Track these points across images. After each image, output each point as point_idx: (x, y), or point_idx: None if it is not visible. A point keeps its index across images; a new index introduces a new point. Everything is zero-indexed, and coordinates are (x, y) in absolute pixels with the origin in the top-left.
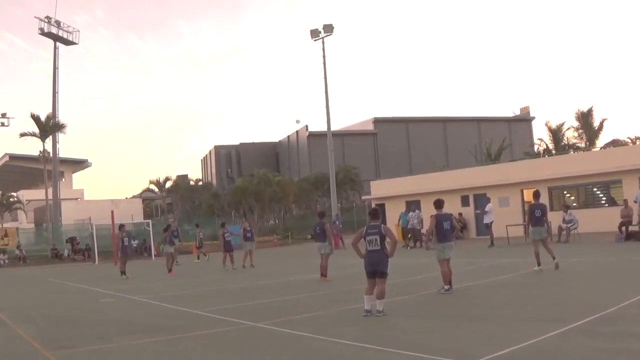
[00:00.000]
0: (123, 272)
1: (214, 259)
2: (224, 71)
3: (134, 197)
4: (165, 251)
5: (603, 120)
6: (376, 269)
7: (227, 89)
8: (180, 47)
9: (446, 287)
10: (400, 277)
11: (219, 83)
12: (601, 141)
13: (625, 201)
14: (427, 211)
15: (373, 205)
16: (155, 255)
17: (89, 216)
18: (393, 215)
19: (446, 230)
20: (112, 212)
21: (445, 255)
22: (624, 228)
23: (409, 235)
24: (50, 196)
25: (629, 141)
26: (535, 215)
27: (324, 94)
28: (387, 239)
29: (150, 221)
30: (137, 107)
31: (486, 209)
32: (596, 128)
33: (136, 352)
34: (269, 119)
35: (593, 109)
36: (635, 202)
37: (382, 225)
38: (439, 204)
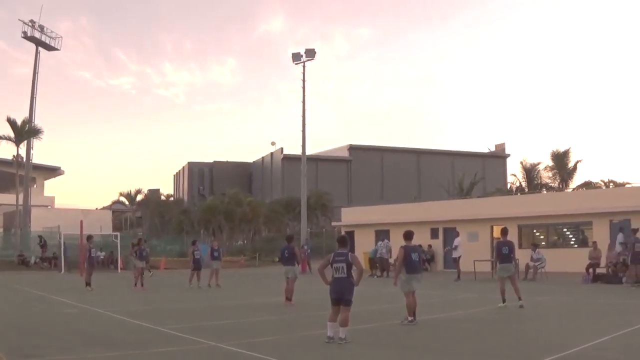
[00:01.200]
0: (88, 284)
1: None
2: (202, 88)
3: (104, 208)
4: (136, 265)
5: (577, 162)
6: (341, 297)
7: (204, 106)
8: (161, 60)
9: (410, 318)
10: (365, 306)
11: (197, 99)
12: (574, 182)
13: (594, 243)
14: (396, 241)
15: (342, 232)
16: (121, 268)
17: (58, 224)
18: (362, 243)
19: (414, 262)
20: (82, 222)
21: (411, 287)
22: (591, 270)
23: (377, 265)
24: (20, 202)
25: (602, 184)
26: (502, 253)
27: (302, 117)
28: (354, 267)
29: (118, 234)
30: (113, 119)
31: (455, 244)
32: (570, 169)
33: None
34: (245, 139)
35: (570, 150)
36: (621, 243)
37: (350, 253)
38: (408, 236)
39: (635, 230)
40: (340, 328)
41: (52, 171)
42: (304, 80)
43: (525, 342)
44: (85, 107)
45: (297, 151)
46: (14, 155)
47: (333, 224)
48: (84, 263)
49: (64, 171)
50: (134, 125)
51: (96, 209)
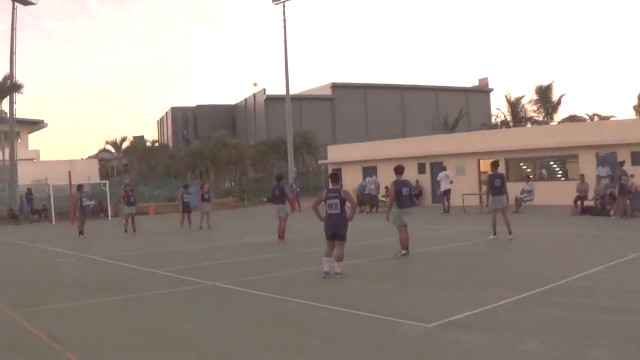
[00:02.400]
0: (81, 232)
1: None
2: (182, 32)
3: (89, 157)
4: (124, 211)
5: (562, 96)
6: (336, 232)
7: (185, 50)
8: (138, 7)
9: (403, 251)
10: (357, 241)
11: (176, 43)
12: (559, 116)
13: (582, 176)
14: (383, 177)
15: (330, 170)
16: (111, 216)
17: (45, 177)
18: (349, 180)
19: (405, 196)
20: (69, 172)
21: (403, 221)
22: (579, 202)
23: (365, 201)
24: (6, 157)
25: (587, 117)
26: (495, 185)
27: (284, 57)
28: (347, 203)
29: (107, 182)
30: (93, 69)
31: (438, 178)
32: (554, 103)
33: (100, 310)
34: (226, 81)
35: (553, 84)
36: (602, 177)
37: (343, 189)
38: (399, 170)
39: (622, 163)
40: (335, 263)
41: (35, 124)
42: (284, 20)
43: (517, 274)
44: (64, 59)
45: (279, 91)
46: None
47: (320, 162)
48: (74, 213)
49: (47, 124)
50: (113, 73)
51: (82, 159)
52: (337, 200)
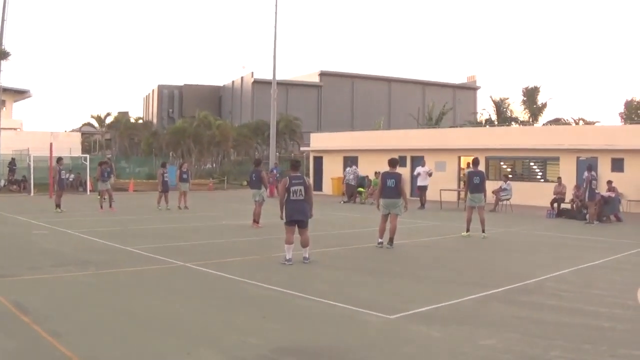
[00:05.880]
0: (58, 205)
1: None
2: (172, 11)
3: (73, 130)
4: (99, 188)
5: (548, 99)
6: (302, 218)
7: (174, 30)
8: None
9: (380, 240)
10: (332, 230)
11: (166, 23)
12: (544, 119)
13: (559, 179)
14: (364, 168)
15: (309, 157)
16: (90, 190)
17: (27, 147)
18: (331, 169)
19: (388, 188)
20: (51, 144)
21: (384, 211)
22: (556, 204)
23: (343, 191)
24: None
25: (572, 121)
26: (473, 182)
27: (273, 42)
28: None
29: (88, 156)
30: (81, 43)
31: (416, 172)
32: (540, 105)
33: (68, 283)
34: (215, 63)
35: (540, 88)
36: (584, 183)
37: (305, 178)
38: (390, 163)
39: (589, 167)
40: (304, 249)
41: (21, 94)
42: (276, 5)
43: (485, 271)
44: (53, 30)
45: (268, 76)
46: None
47: (302, 149)
48: (53, 185)
49: (32, 94)
50: (101, 49)
51: (65, 131)
52: (302, 187)
